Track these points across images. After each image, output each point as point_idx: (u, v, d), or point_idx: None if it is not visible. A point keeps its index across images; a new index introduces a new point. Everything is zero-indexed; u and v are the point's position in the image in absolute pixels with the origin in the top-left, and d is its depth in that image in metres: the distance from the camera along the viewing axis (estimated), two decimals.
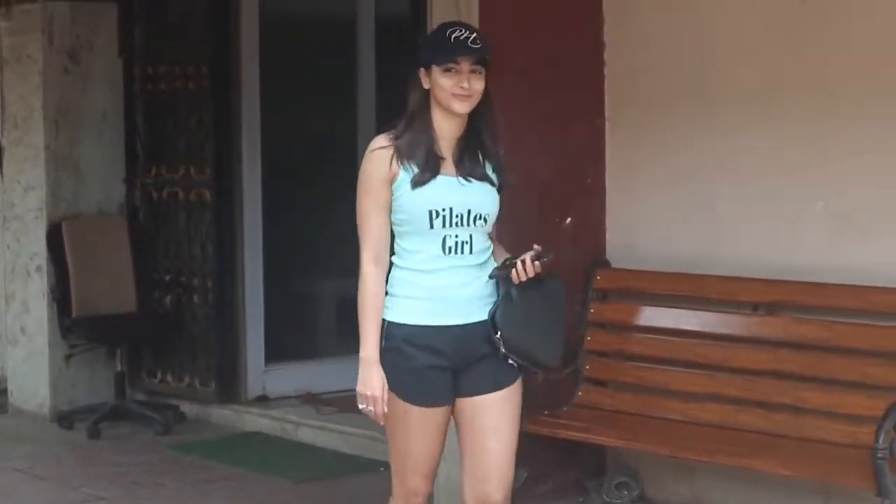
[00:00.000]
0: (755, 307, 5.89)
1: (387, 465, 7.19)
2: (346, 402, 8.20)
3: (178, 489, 7.03)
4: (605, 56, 6.45)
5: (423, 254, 4.32)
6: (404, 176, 4.28)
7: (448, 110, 4.30)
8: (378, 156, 4.30)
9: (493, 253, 4.45)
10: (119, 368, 8.51)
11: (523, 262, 4.31)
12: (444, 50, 4.27)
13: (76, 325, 8.38)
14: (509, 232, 6.08)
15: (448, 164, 4.33)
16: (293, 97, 8.74)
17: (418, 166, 4.27)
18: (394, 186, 4.29)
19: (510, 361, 4.39)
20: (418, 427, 4.41)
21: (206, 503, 6.81)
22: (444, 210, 4.27)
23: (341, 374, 8.54)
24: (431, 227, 4.28)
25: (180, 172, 8.56)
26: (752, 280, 5.87)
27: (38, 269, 8.58)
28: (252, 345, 8.48)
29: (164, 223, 8.69)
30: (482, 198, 4.35)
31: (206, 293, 8.48)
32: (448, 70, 4.25)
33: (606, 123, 6.47)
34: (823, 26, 5.71)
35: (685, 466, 6.10)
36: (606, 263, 6.41)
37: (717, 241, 6.10)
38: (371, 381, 4.34)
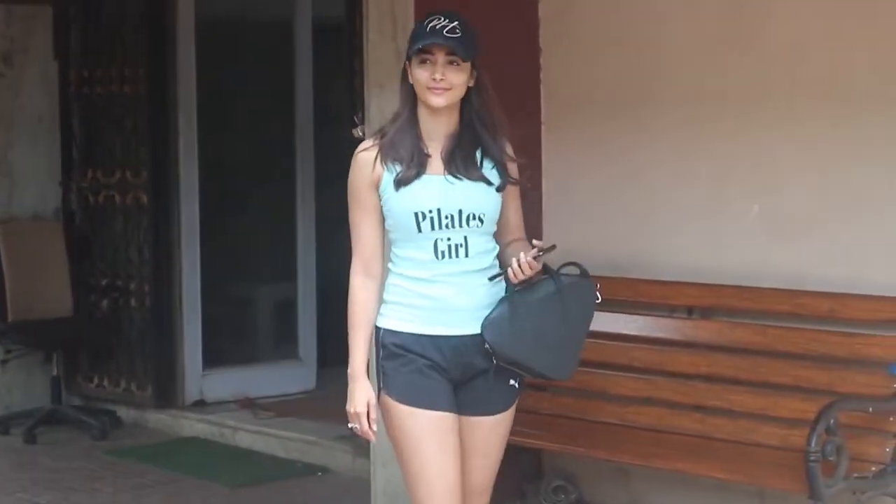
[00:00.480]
0: (690, 311, 5.89)
1: (324, 469, 7.27)
2: (283, 406, 8.23)
3: (113, 494, 6.99)
4: (541, 61, 6.44)
5: (416, 259, 4.09)
6: (388, 177, 4.06)
7: (424, 104, 4.07)
8: (361, 159, 4.10)
9: (510, 254, 4.10)
10: (55, 373, 8.45)
11: (518, 259, 4.00)
12: (418, 39, 4.04)
13: (11, 330, 8.31)
14: None
15: (435, 163, 4.09)
16: (230, 101, 8.69)
17: (401, 164, 4.05)
18: (380, 190, 4.07)
19: (511, 381, 4.16)
20: (427, 434, 4.08)
21: None
22: (430, 212, 4.03)
23: (278, 378, 8.61)
24: (419, 230, 4.04)
25: (116, 176, 8.51)
26: (687, 284, 5.86)
27: None
28: (189, 349, 8.43)
29: (100, 227, 8.64)
30: (474, 196, 4.08)
31: (143, 297, 8.43)
32: (423, 62, 4.02)
33: (542, 127, 6.45)
34: (759, 33, 5.72)
35: (621, 470, 6.10)
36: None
37: (652, 245, 6.09)
38: (355, 396, 4.09)
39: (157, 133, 8.34)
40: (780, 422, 5.39)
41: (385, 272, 4.20)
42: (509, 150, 4.18)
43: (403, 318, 4.11)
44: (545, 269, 4.12)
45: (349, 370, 4.11)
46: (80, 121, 8.67)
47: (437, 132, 4.10)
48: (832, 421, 4.90)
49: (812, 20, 5.57)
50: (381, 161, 4.06)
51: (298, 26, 8.86)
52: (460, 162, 4.08)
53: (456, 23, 4.03)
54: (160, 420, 8.35)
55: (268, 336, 9.11)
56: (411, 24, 6.05)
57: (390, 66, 6.13)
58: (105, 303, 8.58)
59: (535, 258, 3.99)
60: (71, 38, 8.60)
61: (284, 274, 8.88)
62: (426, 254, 4.06)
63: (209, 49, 8.46)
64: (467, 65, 4.06)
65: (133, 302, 8.47)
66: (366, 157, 4.09)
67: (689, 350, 5.84)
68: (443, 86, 4.02)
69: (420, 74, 4.03)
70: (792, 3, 5.65)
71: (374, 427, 4.10)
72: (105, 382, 8.59)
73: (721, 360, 5.70)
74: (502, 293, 4.12)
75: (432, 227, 4.04)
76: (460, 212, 4.05)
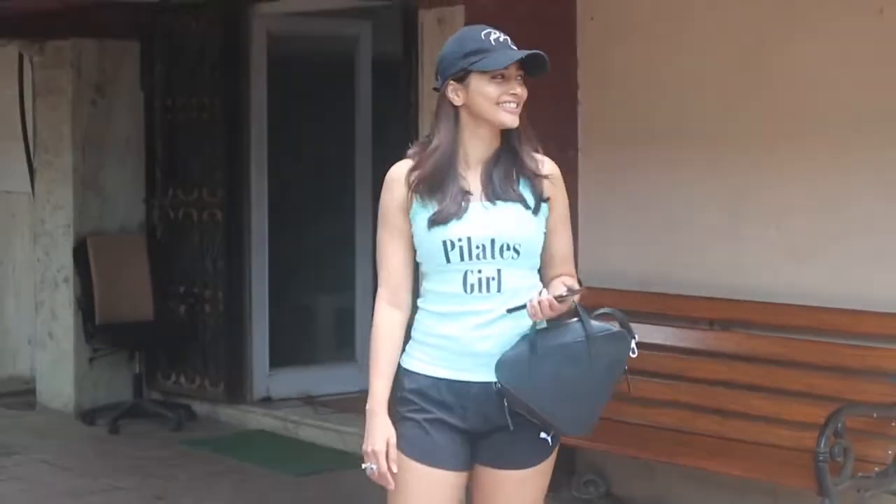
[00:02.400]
0: (711, 323, 5.88)
1: None
2: (341, 403, 8.24)
3: (187, 481, 7.00)
4: (580, 95, 6.45)
5: (443, 294, 3.41)
6: (417, 209, 3.41)
7: (493, 124, 3.40)
8: (393, 180, 3.44)
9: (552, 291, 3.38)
10: (137, 371, 8.50)
11: (540, 295, 3.31)
12: (488, 53, 3.38)
13: (99, 332, 8.36)
14: None
15: (474, 191, 3.42)
16: (298, 127, 8.73)
17: (439, 203, 3.37)
18: (410, 215, 3.42)
19: (542, 434, 3.42)
20: (419, 491, 3.41)
21: (214, 494, 6.78)
22: (460, 240, 3.36)
23: (337, 378, 8.62)
24: (448, 260, 3.36)
25: (194, 195, 8.54)
26: (709, 299, 5.86)
27: (66, 280, 8.54)
28: (258, 350, 8.45)
29: (179, 240, 8.67)
30: (511, 224, 3.39)
31: (216, 303, 8.45)
32: (495, 76, 3.39)
33: (579, 154, 6.47)
34: (778, 65, 5.72)
35: (647, 466, 6.09)
36: (579, 282, 6.39)
37: (677, 262, 6.09)
38: (373, 434, 3.40)
39: (232, 156, 8.38)
40: (792, 425, 5.39)
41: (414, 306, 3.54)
42: (542, 167, 3.49)
43: (422, 359, 3.44)
44: (577, 312, 3.43)
45: (367, 405, 3.44)
46: (162, 144, 8.71)
47: (476, 157, 3.45)
48: (840, 425, 4.90)
49: (825, 55, 5.56)
50: (415, 191, 3.41)
51: (360, 61, 8.88)
52: (497, 181, 3.42)
53: (506, 35, 3.49)
54: (230, 414, 8.37)
55: (328, 339, 9.12)
56: None
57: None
58: (182, 308, 8.59)
59: (558, 298, 3.31)
60: (156, 71, 8.66)
61: (344, 283, 8.90)
62: (454, 287, 3.39)
63: (280, 82, 8.50)
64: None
65: (207, 308, 8.49)
66: (398, 178, 3.43)
67: (709, 359, 5.84)
68: (517, 101, 3.42)
69: (491, 90, 3.38)
70: (803, 40, 5.64)
71: (395, 468, 3.38)
72: (182, 379, 8.61)
73: (740, 368, 5.70)
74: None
75: (461, 258, 3.37)
76: (493, 241, 3.37)
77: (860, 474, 5.02)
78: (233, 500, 6.72)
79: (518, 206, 3.42)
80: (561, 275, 3.55)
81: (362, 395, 9.18)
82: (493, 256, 3.37)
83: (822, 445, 4.84)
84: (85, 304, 8.38)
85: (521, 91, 3.42)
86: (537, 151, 3.51)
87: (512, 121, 3.41)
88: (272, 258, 8.54)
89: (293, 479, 7.04)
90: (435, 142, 3.43)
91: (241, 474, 7.14)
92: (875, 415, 5.16)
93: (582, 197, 6.42)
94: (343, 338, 8.99)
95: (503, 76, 3.39)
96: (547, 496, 3.55)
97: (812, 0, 5.64)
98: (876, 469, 5.12)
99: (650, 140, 6.18)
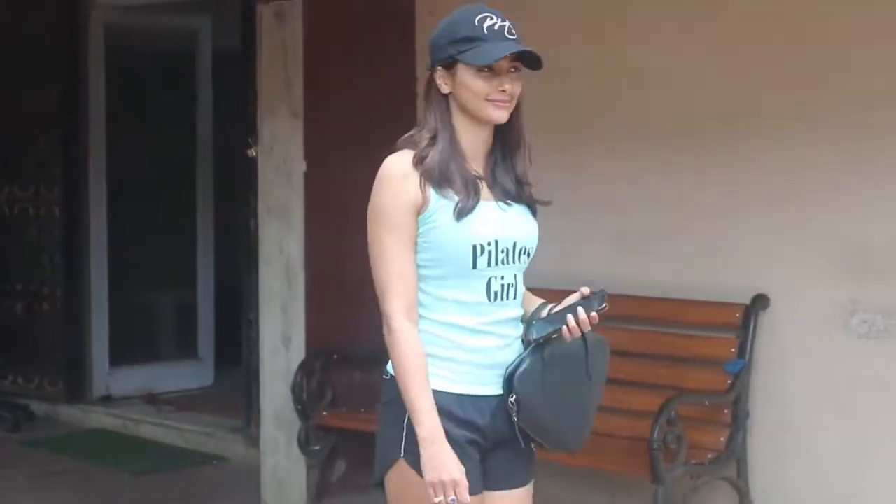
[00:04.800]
0: None
1: (219, 458, 7.19)
2: (183, 401, 8.15)
3: (26, 482, 6.84)
4: (417, 90, 6.43)
5: (463, 303, 3.07)
6: (438, 205, 3.03)
7: (479, 119, 3.10)
8: (399, 178, 3.04)
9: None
10: None
11: (574, 313, 3.05)
12: (478, 43, 3.04)
13: None
14: (337, 250, 6.08)
15: (484, 187, 3.11)
16: (138, 123, 8.56)
17: (457, 192, 3.03)
18: (421, 217, 3.04)
19: (532, 443, 3.17)
20: None
21: (53, 494, 6.64)
22: (489, 244, 3.05)
23: (180, 375, 8.52)
24: (474, 266, 3.04)
25: (31, 190, 8.35)
26: (543, 290, 5.87)
27: None
28: (97, 349, 8.30)
29: (16, 237, 8.46)
30: (526, 227, 3.15)
31: (54, 301, 8.29)
32: (482, 69, 3.05)
33: None
34: (611, 64, 5.77)
35: None
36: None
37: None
38: (443, 462, 2.95)
39: (69, 151, 8.20)
40: (627, 414, 5.40)
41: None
42: (527, 172, 3.22)
43: (445, 376, 3.06)
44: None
45: (423, 431, 2.97)
46: None
47: (476, 152, 3.13)
48: (673, 413, 4.95)
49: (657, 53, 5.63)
50: (428, 185, 3.04)
51: (200, 55, 8.77)
52: (504, 180, 3.15)
53: (507, 22, 3.10)
54: (70, 413, 8.20)
55: (169, 337, 9.00)
56: (300, 55, 6.02)
57: (280, 93, 6.10)
58: (19, 306, 8.41)
59: (596, 311, 3.08)
60: None
61: (185, 280, 8.79)
62: (477, 295, 3.07)
63: (120, 75, 8.35)
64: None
65: (45, 305, 8.31)
66: (407, 172, 3.04)
67: None
68: (507, 98, 3.09)
69: (477, 85, 3.05)
70: (636, 40, 5.70)
71: (453, 497, 2.97)
72: (19, 379, 8.43)
73: None
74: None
75: (488, 263, 3.06)
76: (514, 244, 3.10)
77: (693, 461, 5.08)
78: (72, 499, 6.58)
79: (525, 209, 3.18)
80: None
81: (204, 392, 9.17)
82: (512, 261, 3.10)
83: (655, 434, 4.88)
84: None
85: (512, 87, 3.07)
86: (528, 152, 3.22)
87: (500, 116, 3.08)
88: (112, 255, 8.39)
89: (133, 477, 6.92)
90: (430, 129, 3.10)
91: (81, 474, 7.00)
92: (707, 402, 5.23)
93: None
94: (185, 335, 8.87)
95: (492, 69, 3.05)
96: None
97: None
98: (709, 456, 5.18)
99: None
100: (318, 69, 6.05)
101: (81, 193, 8.26)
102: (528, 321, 3.15)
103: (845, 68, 5.11)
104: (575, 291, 3.11)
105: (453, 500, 2.95)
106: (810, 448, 5.22)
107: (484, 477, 3.11)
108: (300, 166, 6.04)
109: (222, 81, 8.68)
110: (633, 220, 5.73)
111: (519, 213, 3.14)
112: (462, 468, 2.96)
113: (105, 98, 8.30)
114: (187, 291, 8.80)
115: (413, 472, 3.01)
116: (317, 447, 5.99)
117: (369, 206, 3.07)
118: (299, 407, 5.95)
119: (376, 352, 6.06)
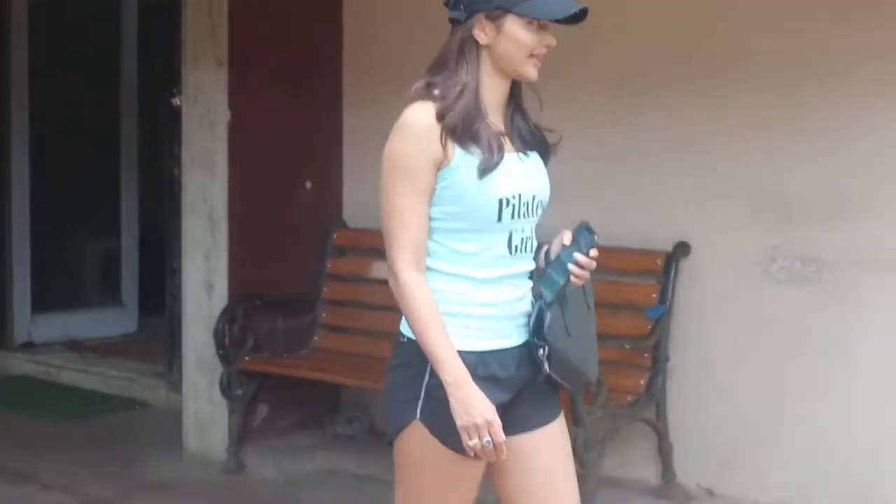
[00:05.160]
0: None
1: (142, 404, 7.17)
2: (106, 347, 8.11)
3: None
4: (344, 57, 6.42)
5: (484, 256, 2.97)
6: (462, 161, 2.92)
7: (512, 75, 3.00)
8: (421, 129, 2.92)
9: None
10: None
11: (572, 260, 2.97)
12: None
13: None
14: (260, 200, 6.07)
15: (505, 140, 3.02)
16: (61, 72, 8.46)
17: (483, 149, 2.92)
18: (441, 173, 2.93)
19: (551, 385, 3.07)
20: (461, 483, 3.01)
21: None
22: (513, 197, 2.96)
23: (103, 322, 8.48)
24: (499, 219, 2.95)
25: None
26: None
27: None
28: (18, 295, 8.24)
29: None
30: (542, 179, 3.08)
31: None
32: (532, 23, 2.93)
33: (343, 101, 6.43)
34: None
35: None
36: (343, 223, 6.39)
37: None
38: (475, 404, 2.87)
39: None
40: None
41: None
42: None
43: (464, 334, 2.95)
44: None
45: (448, 377, 2.88)
46: None
47: (497, 105, 3.03)
48: None
49: None
50: (451, 140, 2.92)
51: (124, 5, 8.69)
52: (521, 131, 3.07)
53: None
54: None
55: (94, 284, 8.94)
56: (226, 6, 5.97)
57: (205, 41, 6.04)
58: None
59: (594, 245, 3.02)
60: None
61: (109, 228, 8.74)
62: (499, 249, 2.99)
63: (43, 25, 8.25)
64: None
65: None
66: (430, 125, 2.91)
67: None
68: (544, 54, 3.00)
69: (529, 38, 2.94)
70: None
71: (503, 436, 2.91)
72: None
73: None
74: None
75: (512, 216, 2.97)
76: (534, 197, 3.02)
77: (613, 404, 5.14)
78: None
79: (538, 159, 3.10)
80: None
81: (127, 339, 9.09)
82: (531, 214, 3.02)
83: None
84: None
85: (552, 43, 2.98)
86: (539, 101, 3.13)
87: (535, 75, 2.99)
88: (37, 203, 8.32)
89: (55, 424, 6.86)
90: (460, 82, 2.95)
91: (3, 421, 6.90)
92: (627, 346, 5.29)
93: (346, 142, 6.42)
94: (109, 282, 8.82)
95: (539, 24, 2.94)
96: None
97: None
98: (629, 399, 5.25)
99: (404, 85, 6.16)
100: (243, 17, 5.99)
101: (3, 142, 8.15)
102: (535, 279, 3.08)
103: (776, 19, 5.17)
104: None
105: (488, 440, 2.88)
106: (728, 391, 5.31)
107: (511, 424, 2.99)
108: (224, 116, 6.00)
109: (148, 29, 8.59)
110: (557, 168, 5.75)
111: (536, 163, 3.07)
112: (493, 408, 2.88)
113: (28, 47, 8.18)
114: (112, 239, 8.76)
115: (427, 432, 2.94)
116: (238, 392, 5.99)
117: (385, 155, 2.96)
118: (221, 352, 5.94)
119: (298, 298, 6.23)
